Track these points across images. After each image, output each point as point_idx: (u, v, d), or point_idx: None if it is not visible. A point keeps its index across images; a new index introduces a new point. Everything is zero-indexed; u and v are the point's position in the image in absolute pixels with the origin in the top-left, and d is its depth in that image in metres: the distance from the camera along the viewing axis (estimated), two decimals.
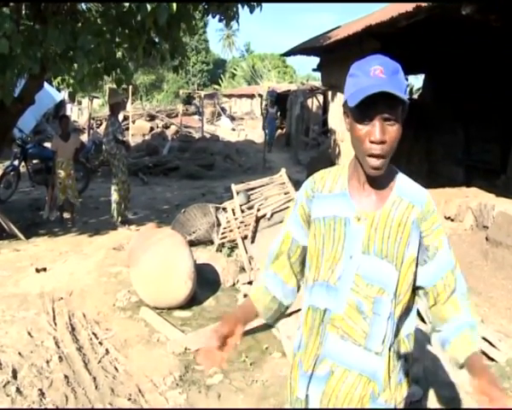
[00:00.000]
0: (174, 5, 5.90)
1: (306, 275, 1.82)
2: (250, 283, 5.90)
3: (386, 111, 1.54)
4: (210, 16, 7.66)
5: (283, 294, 1.91)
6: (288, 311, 2.03)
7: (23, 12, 6.81)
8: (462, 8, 6.28)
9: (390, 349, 1.69)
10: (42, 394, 3.70)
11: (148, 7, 5.81)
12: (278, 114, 23.09)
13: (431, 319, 1.79)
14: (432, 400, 3.69)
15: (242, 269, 6.24)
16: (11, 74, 6.23)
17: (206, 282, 5.82)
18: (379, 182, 1.68)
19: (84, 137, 18.81)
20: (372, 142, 1.56)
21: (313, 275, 1.76)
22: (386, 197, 1.68)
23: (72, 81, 7.00)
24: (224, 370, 4.14)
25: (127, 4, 5.84)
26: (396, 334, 1.70)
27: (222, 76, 50.68)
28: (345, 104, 1.64)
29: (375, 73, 1.54)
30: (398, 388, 1.74)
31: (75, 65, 6.39)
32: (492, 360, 4.35)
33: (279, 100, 24.09)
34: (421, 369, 3.92)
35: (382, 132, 1.55)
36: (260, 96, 25.77)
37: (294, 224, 1.86)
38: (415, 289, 1.73)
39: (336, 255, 1.69)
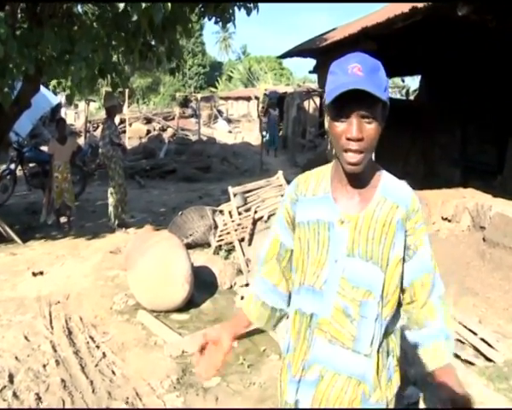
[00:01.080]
0: (169, 4, 5.89)
1: (293, 278, 1.82)
2: (247, 285, 5.90)
3: (363, 109, 1.53)
4: (206, 18, 7.67)
5: (275, 299, 1.90)
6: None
7: (18, 15, 6.80)
8: (458, 9, 6.28)
9: (379, 350, 1.69)
10: (39, 398, 3.68)
11: (143, 5, 5.79)
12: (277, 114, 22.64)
13: (405, 319, 1.80)
14: (429, 401, 3.68)
15: (239, 271, 6.23)
16: (9, 78, 6.22)
17: (203, 284, 5.81)
18: (361, 181, 1.67)
19: (81, 141, 18.80)
20: (349, 139, 1.56)
21: (299, 278, 1.75)
22: (370, 198, 1.67)
23: (69, 84, 6.99)
24: (222, 372, 4.14)
25: (122, 5, 5.81)
26: (384, 334, 1.70)
27: (218, 79, 50.69)
28: (324, 102, 1.63)
29: (352, 71, 1.53)
30: (389, 385, 1.74)
31: (72, 68, 6.38)
32: (490, 360, 4.35)
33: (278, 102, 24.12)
34: (418, 371, 3.92)
35: (359, 130, 1.54)
36: (257, 98, 25.78)
37: (281, 228, 1.86)
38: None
39: (321, 260, 1.68)
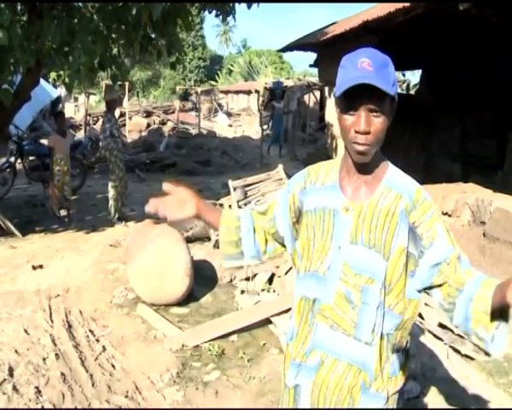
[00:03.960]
0: None
1: (298, 265, 1.83)
2: (247, 279, 5.89)
3: (371, 102, 1.57)
4: (206, 12, 7.65)
5: (246, 237, 1.94)
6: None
7: (18, 7, 6.77)
8: (460, 4, 6.27)
9: (382, 339, 1.69)
10: (38, 391, 3.68)
11: None
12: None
13: (448, 300, 1.66)
14: (430, 396, 3.69)
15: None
16: (8, 73, 6.20)
17: (203, 278, 5.80)
18: (368, 171, 1.70)
19: (81, 134, 18.78)
20: (357, 132, 1.59)
21: (305, 265, 1.78)
22: (375, 188, 1.69)
23: (67, 72, 6.97)
24: (222, 366, 4.15)
25: None
26: (389, 325, 1.69)
27: (219, 72, 50.60)
28: (335, 95, 1.67)
29: (362, 66, 1.57)
30: (392, 379, 1.73)
31: (70, 58, 6.37)
32: (490, 355, 4.35)
33: (274, 94, 23.96)
34: (418, 365, 3.92)
35: (367, 123, 1.58)
36: (257, 92, 25.70)
37: (282, 208, 1.90)
38: (423, 290, 1.69)
39: (326, 246, 1.72)
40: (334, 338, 1.70)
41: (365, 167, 1.69)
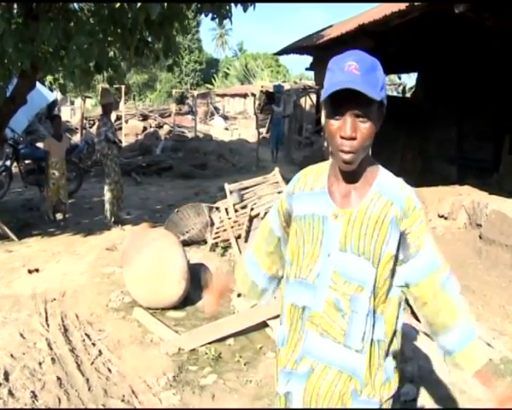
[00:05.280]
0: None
1: (288, 271, 1.82)
2: None
3: (357, 108, 1.55)
4: (203, 15, 7.63)
5: (256, 273, 2.03)
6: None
7: (14, 10, 6.76)
8: (455, 7, 6.29)
9: (372, 346, 1.68)
10: (34, 396, 3.67)
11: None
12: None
13: (427, 326, 1.79)
14: (426, 399, 3.69)
15: None
16: (3, 73, 6.19)
17: (199, 282, 5.77)
18: (356, 177, 1.68)
19: (77, 137, 18.74)
20: (342, 137, 1.57)
21: (294, 272, 1.77)
22: (365, 194, 1.67)
23: (62, 74, 6.96)
24: (218, 370, 4.14)
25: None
26: (379, 331, 1.69)
27: (215, 75, 50.57)
28: (321, 99, 1.65)
29: (349, 69, 1.54)
30: (386, 386, 1.72)
31: (66, 60, 6.36)
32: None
33: (273, 98, 23.95)
34: (415, 368, 3.92)
35: (353, 129, 1.55)
36: (253, 95, 25.67)
37: (273, 215, 1.95)
38: (399, 287, 1.72)
39: (315, 253, 1.70)
40: (324, 346, 1.69)
41: (353, 174, 1.67)
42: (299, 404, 1.75)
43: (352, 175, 1.67)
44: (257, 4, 7.56)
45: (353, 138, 1.56)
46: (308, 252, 1.71)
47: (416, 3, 6.59)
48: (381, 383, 1.70)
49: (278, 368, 1.83)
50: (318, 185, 1.75)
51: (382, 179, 1.69)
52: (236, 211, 6.90)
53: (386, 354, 1.73)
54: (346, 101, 1.53)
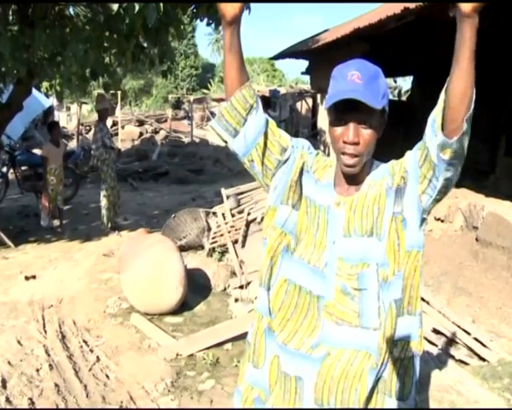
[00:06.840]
0: (161, 5, 5.85)
1: (293, 245, 1.78)
2: (241, 287, 5.89)
3: (359, 115, 1.61)
4: (198, 20, 7.64)
5: (250, 131, 1.81)
6: None
7: (10, 17, 6.77)
8: (450, 11, 6.31)
9: (390, 318, 1.63)
10: (32, 403, 3.66)
11: (137, 7, 5.76)
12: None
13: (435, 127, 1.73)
14: (424, 401, 3.69)
15: (233, 273, 6.22)
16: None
17: (196, 287, 5.79)
18: (358, 179, 1.74)
19: (74, 143, 18.73)
20: (345, 142, 1.63)
21: (301, 252, 1.75)
22: (363, 183, 1.74)
23: (58, 81, 6.96)
24: (216, 375, 4.14)
25: (115, 7, 5.77)
26: (396, 292, 1.64)
27: (211, 80, 50.58)
28: (325, 106, 1.70)
29: (351, 78, 1.61)
30: (402, 344, 1.68)
31: (62, 67, 6.36)
32: (484, 360, 4.36)
33: (269, 103, 24.01)
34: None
35: (355, 134, 1.62)
36: None
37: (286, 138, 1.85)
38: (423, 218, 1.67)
39: (322, 242, 1.73)
40: (341, 333, 1.68)
41: (355, 177, 1.73)
42: (310, 391, 1.71)
43: (353, 178, 1.73)
44: (252, 8, 7.58)
45: (356, 143, 1.62)
46: (316, 240, 1.74)
47: (411, 7, 6.62)
48: (401, 377, 1.68)
49: (264, 339, 1.82)
50: (326, 177, 1.80)
51: (376, 168, 1.76)
52: (233, 216, 6.90)
53: (403, 313, 1.67)
54: (348, 109, 1.59)
